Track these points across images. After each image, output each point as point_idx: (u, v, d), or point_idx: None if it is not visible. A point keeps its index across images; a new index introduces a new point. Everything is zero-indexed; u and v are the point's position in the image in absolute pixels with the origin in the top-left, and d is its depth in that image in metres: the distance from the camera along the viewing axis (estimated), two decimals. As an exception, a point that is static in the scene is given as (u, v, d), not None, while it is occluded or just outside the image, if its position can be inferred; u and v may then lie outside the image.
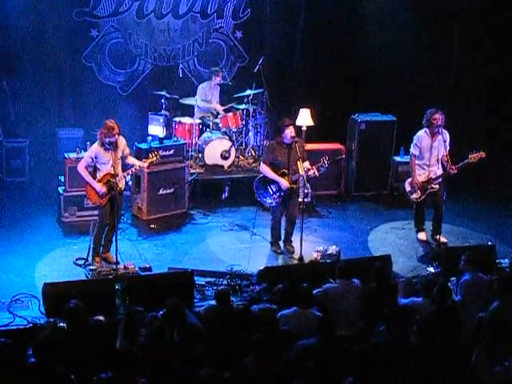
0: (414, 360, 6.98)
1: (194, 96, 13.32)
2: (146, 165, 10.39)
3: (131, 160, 10.32)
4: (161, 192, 12.07)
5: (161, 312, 7.66)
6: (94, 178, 10.03)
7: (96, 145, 10.04)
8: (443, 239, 11.21)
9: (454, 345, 7.23)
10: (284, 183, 10.52)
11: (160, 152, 11.82)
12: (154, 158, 10.35)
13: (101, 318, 7.83)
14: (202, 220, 12.17)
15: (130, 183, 11.51)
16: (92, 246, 10.20)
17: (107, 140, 9.85)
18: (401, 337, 7.28)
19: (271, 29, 14.39)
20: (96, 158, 9.98)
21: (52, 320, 8.27)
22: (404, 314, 7.76)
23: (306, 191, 11.79)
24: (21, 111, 13.26)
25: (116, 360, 6.74)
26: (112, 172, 9.97)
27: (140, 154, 11.91)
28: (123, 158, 10.11)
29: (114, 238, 9.90)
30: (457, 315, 7.93)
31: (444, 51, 14.25)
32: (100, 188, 9.96)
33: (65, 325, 7.87)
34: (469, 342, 7.55)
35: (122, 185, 10.04)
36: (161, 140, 12.36)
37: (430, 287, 8.31)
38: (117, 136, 9.86)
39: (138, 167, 10.31)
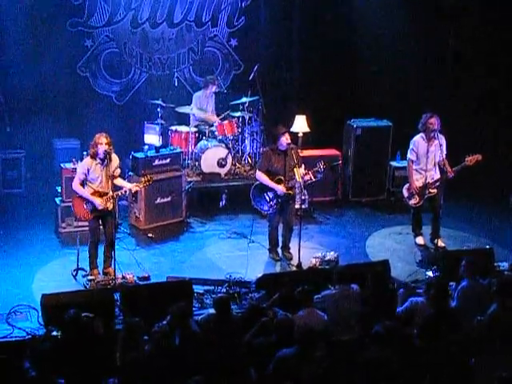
0: (417, 363, 6.99)
1: (189, 104, 13.33)
2: (136, 189, 10.33)
3: (120, 182, 10.20)
4: (158, 201, 12.01)
5: (164, 322, 7.62)
6: None
7: (87, 159, 9.94)
8: (441, 243, 11.22)
9: (453, 347, 7.22)
10: (280, 189, 10.51)
11: (156, 161, 12.03)
12: (147, 183, 10.27)
13: (90, 314, 7.77)
14: (199, 228, 12.13)
15: (127, 193, 11.41)
16: (89, 260, 10.16)
17: (97, 151, 9.75)
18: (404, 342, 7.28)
19: (266, 36, 14.41)
20: (88, 172, 9.85)
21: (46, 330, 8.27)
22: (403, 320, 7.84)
23: (303, 198, 11.78)
24: (16, 122, 13.20)
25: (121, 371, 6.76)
26: (101, 190, 9.87)
27: (136, 164, 11.97)
28: (112, 178, 9.88)
29: (112, 254, 9.82)
30: (455, 318, 7.93)
31: (440, 55, 14.31)
32: (99, 203, 9.82)
33: (58, 334, 7.88)
34: (468, 345, 7.51)
35: (109, 205, 9.89)
36: (157, 149, 12.30)
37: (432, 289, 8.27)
38: (105, 147, 9.71)
39: (128, 190, 10.24)
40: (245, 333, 7.82)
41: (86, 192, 9.90)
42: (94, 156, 9.84)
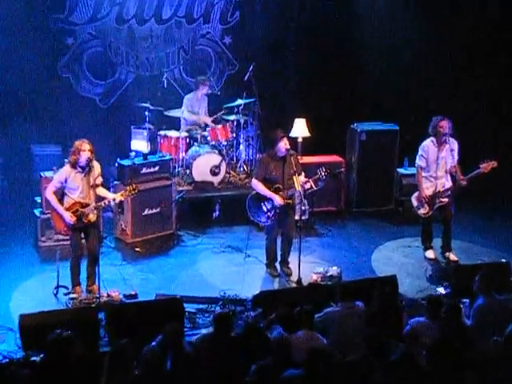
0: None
1: (179, 108, 13.16)
2: (120, 198, 10.02)
3: (102, 192, 9.97)
4: (146, 212, 11.80)
5: (153, 343, 7.31)
6: (62, 204, 9.73)
7: (66, 167, 9.73)
8: (453, 257, 11.12)
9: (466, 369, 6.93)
10: (278, 200, 10.29)
11: (144, 169, 11.85)
12: (132, 193, 9.99)
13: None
14: (191, 242, 11.94)
15: (112, 204, 11.11)
16: (71, 276, 9.93)
17: (79, 159, 9.50)
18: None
19: (262, 33, 14.26)
20: (65, 181, 9.64)
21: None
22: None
23: (303, 208, 11.61)
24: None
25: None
26: (82, 201, 9.66)
27: (122, 172, 11.79)
28: (94, 187, 9.69)
29: (96, 270, 9.58)
30: (469, 337, 7.72)
31: (449, 55, 14.26)
32: (69, 218, 9.60)
33: (38, 358, 7.60)
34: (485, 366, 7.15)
35: (92, 216, 9.69)
36: (145, 156, 12.12)
37: (435, 307, 8.10)
38: (88, 155, 9.48)
39: (111, 200, 9.97)
40: (241, 353, 7.52)
41: (57, 203, 9.68)
42: (74, 164, 9.63)
